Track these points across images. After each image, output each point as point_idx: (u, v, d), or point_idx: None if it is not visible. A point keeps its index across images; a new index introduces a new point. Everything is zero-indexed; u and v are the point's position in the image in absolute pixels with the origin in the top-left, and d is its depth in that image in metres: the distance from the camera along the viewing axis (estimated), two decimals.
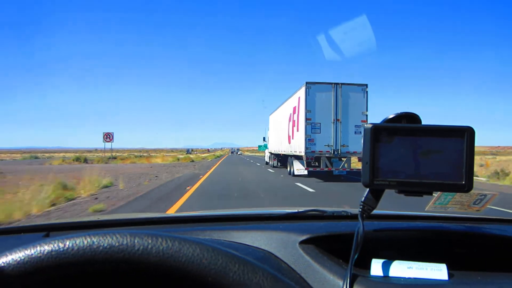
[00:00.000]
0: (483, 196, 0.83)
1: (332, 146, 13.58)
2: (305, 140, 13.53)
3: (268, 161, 26.94)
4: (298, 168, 15.03)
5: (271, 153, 24.56)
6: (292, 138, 15.95)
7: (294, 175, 15.31)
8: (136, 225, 1.12)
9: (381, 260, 0.71)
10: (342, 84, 13.65)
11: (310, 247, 0.78)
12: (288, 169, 17.06)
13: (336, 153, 13.64)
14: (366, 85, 13.65)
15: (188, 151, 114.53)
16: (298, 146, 14.73)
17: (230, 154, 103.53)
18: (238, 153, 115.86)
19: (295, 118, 15.16)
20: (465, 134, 0.61)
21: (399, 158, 0.62)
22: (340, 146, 13.60)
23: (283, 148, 18.63)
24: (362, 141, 0.63)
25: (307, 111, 13.56)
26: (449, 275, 0.67)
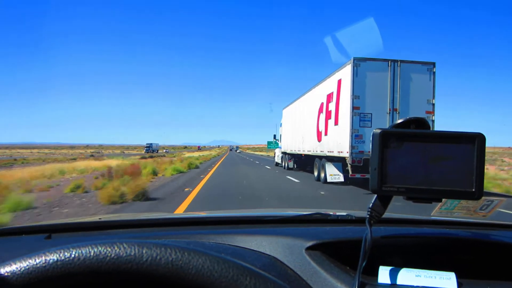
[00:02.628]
0: (489, 202, 0.84)
1: None
2: (351, 136, 10.03)
3: (279, 162, 23.35)
4: (333, 173, 11.72)
5: (285, 153, 20.92)
6: (325, 134, 12.43)
7: (325, 182, 11.93)
8: (138, 226, 1.09)
9: (389, 268, 0.70)
10: (401, 61, 10.15)
11: (317, 253, 0.78)
12: (315, 174, 13.60)
13: None
14: (434, 63, 10.16)
15: (149, 149, 76.17)
16: (336, 145, 11.26)
17: (229, 151, 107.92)
18: (238, 151, 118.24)
19: (332, 108, 11.64)
20: (476, 141, 0.60)
21: (408, 164, 0.62)
22: None
23: (306, 147, 15.12)
24: (371, 146, 0.63)
25: (354, 97, 10.03)
26: (458, 284, 0.66)
